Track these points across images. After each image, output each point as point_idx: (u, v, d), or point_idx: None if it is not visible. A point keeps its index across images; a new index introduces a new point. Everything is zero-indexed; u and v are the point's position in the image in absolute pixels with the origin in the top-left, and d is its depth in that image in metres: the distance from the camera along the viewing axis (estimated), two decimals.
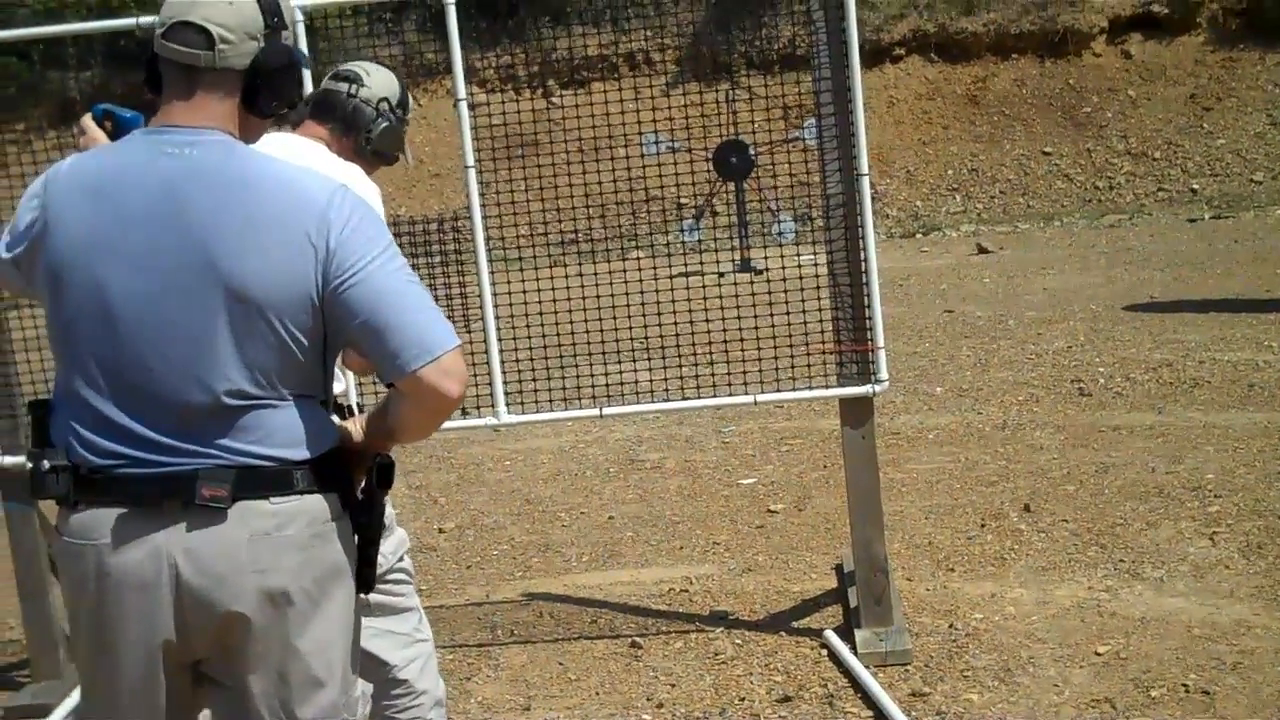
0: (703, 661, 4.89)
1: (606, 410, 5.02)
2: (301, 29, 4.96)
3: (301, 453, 2.43)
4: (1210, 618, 4.83)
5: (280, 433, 2.42)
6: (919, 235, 19.84)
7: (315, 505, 2.45)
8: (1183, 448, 6.99)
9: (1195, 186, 20.36)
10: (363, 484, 2.58)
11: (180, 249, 2.35)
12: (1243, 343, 9.45)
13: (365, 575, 2.58)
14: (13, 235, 2.50)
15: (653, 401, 5.12)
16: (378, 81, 3.69)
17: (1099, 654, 4.62)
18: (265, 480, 2.39)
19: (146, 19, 5.84)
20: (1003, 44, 22.94)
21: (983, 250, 17.01)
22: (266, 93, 2.50)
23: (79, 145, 2.96)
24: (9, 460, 5.05)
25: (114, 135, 2.98)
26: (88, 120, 2.99)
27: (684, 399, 5.28)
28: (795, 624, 5.17)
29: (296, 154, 3.31)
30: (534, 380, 5.71)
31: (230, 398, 2.37)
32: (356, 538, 2.56)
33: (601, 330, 5.73)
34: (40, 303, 2.51)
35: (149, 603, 2.37)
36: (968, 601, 5.21)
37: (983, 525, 6.09)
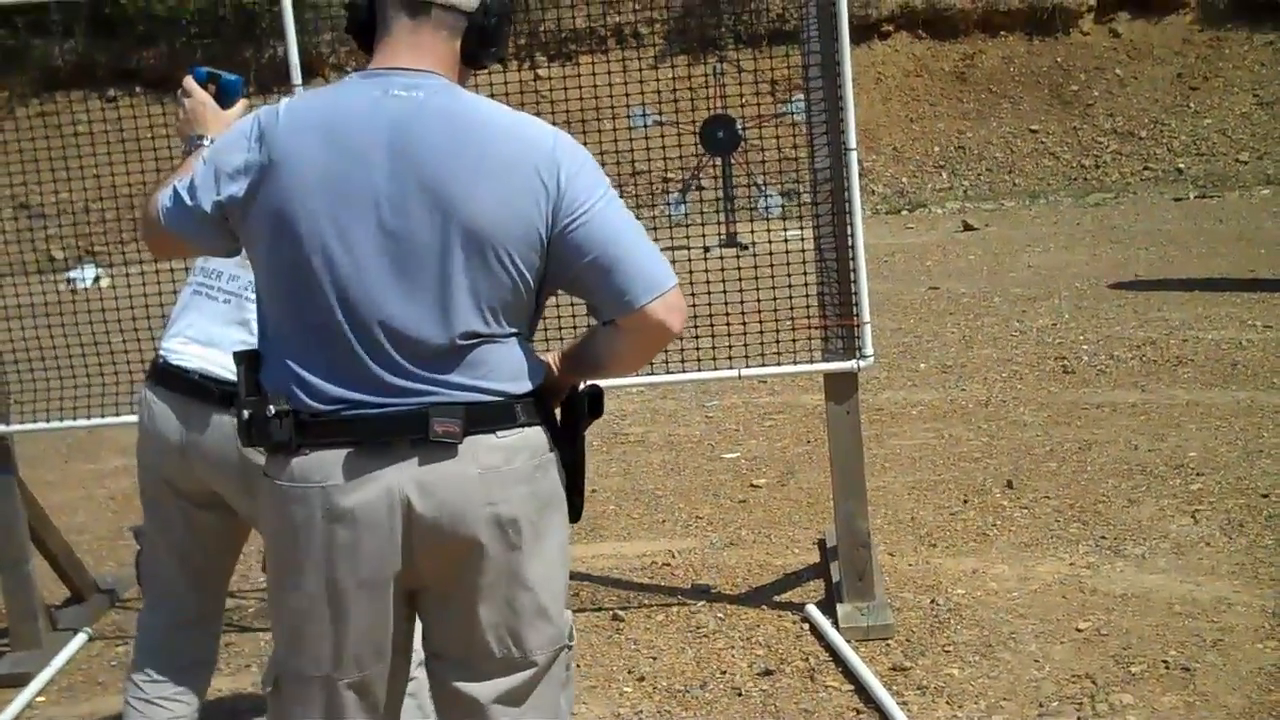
0: (684, 635, 4.89)
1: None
2: (289, 2, 4.93)
3: (523, 385, 2.50)
4: (1191, 595, 4.84)
5: (503, 367, 2.48)
6: (904, 212, 19.83)
7: (536, 437, 2.52)
8: (1166, 426, 7.00)
9: (1181, 166, 20.35)
10: (562, 415, 2.64)
11: (416, 189, 2.39)
12: (1226, 321, 9.46)
13: (576, 504, 2.65)
14: (217, 179, 2.49)
15: (636, 375, 5.09)
16: None
17: (1080, 630, 4.63)
18: (492, 414, 2.46)
19: None
20: (991, 21, 22.86)
21: (968, 227, 16.99)
22: (487, 40, 2.54)
23: (183, 108, 2.99)
24: None
25: (218, 97, 3.01)
26: (191, 83, 3.01)
27: (668, 372, 5.27)
28: (777, 598, 5.17)
29: None
30: None
31: (463, 338, 2.42)
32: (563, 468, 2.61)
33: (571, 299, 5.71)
34: (250, 246, 2.52)
35: (381, 539, 2.43)
36: (950, 577, 5.22)
37: (965, 501, 6.09)
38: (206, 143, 2.88)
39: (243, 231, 2.51)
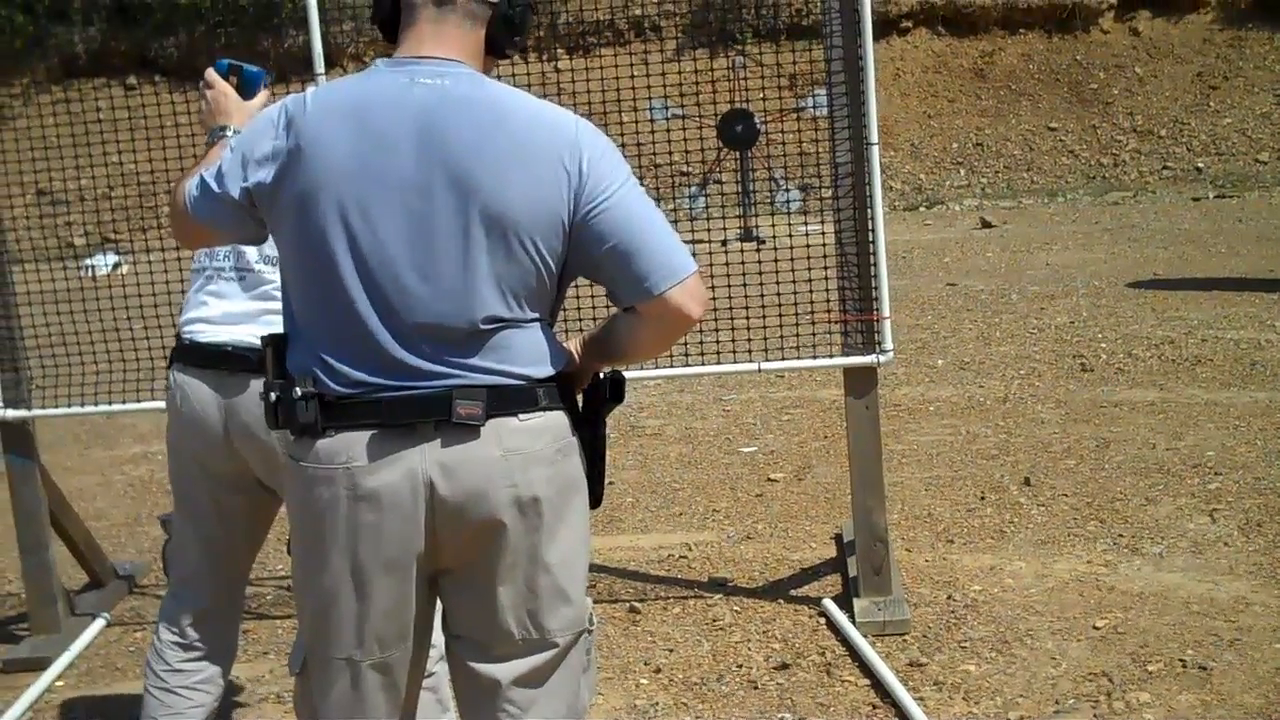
0: (701, 628, 4.90)
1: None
2: None
3: (545, 370, 2.52)
4: (1209, 594, 4.83)
5: (525, 352, 2.51)
6: (923, 208, 19.81)
7: (558, 421, 2.55)
8: (1184, 425, 6.99)
9: (1200, 165, 20.31)
10: (584, 401, 2.68)
11: (443, 175, 2.41)
12: (1245, 321, 9.44)
13: (596, 491, 2.68)
14: (245, 166, 2.52)
15: (655, 368, 5.10)
16: None
17: (1097, 628, 4.62)
18: (514, 398, 2.49)
19: None
20: (1011, 18, 22.83)
21: (986, 224, 16.97)
22: (511, 29, 2.57)
23: (205, 99, 3.02)
24: (11, 414, 5.05)
25: (240, 89, 3.04)
26: (213, 74, 3.05)
27: (687, 365, 5.27)
28: (794, 592, 5.18)
29: None
30: None
31: (486, 322, 2.44)
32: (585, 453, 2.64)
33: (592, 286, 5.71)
34: (277, 231, 2.54)
35: (405, 520, 2.46)
36: (966, 573, 5.22)
37: (982, 498, 6.09)
38: (229, 133, 2.91)
39: (270, 217, 2.53)
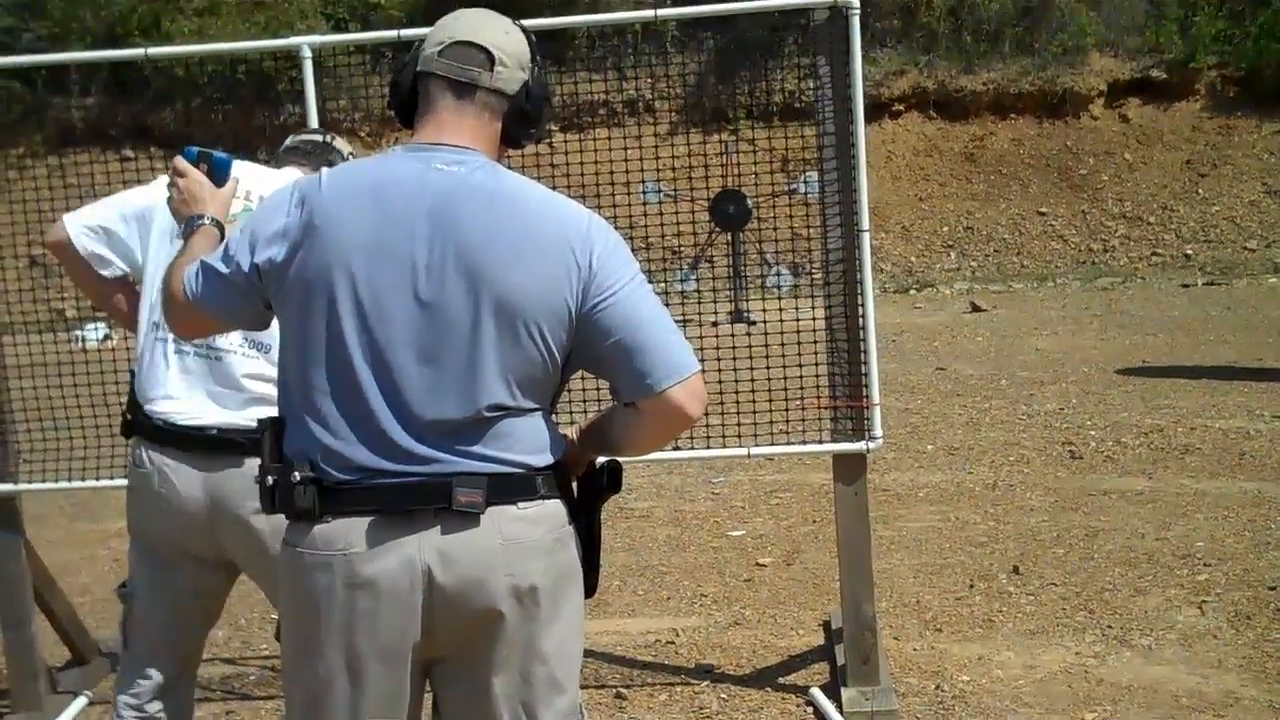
0: (687, 715, 4.86)
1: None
2: (309, 65, 4.99)
3: (545, 459, 2.53)
4: (1198, 688, 4.81)
5: (527, 440, 2.51)
6: (913, 291, 19.89)
7: (556, 510, 2.56)
8: (1173, 514, 6.98)
9: (1189, 252, 20.42)
10: (579, 489, 2.68)
11: (455, 260, 2.43)
12: (1234, 410, 9.46)
13: (591, 580, 2.67)
14: (254, 244, 2.52)
15: None
16: (342, 143, 4.00)
17: None
18: (514, 486, 2.49)
19: (155, 49, 5.86)
20: (1001, 103, 23.02)
21: (976, 308, 17.04)
22: (526, 122, 2.62)
23: (176, 189, 3.01)
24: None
25: (210, 175, 3.03)
26: (183, 163, 3.03)
27: (675, 449, 5.26)
28: (781, 680, 5.14)
29: (278, 179, 3.57)
30: None
31: (489, 410, 2.45)
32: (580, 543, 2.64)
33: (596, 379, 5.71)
34: (282, 310, 2.54)
35: (402, 609, 2.44)
36: (955, 663, 5.19)
37: (971, 586, 6.07)
38: (207, 221, 2.91)
39: (276, 296, 2.53)
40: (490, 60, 2.55)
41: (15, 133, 22.76)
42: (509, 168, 2.63)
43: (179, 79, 22.91)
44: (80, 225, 3.66)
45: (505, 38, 2.59)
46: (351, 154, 3.95)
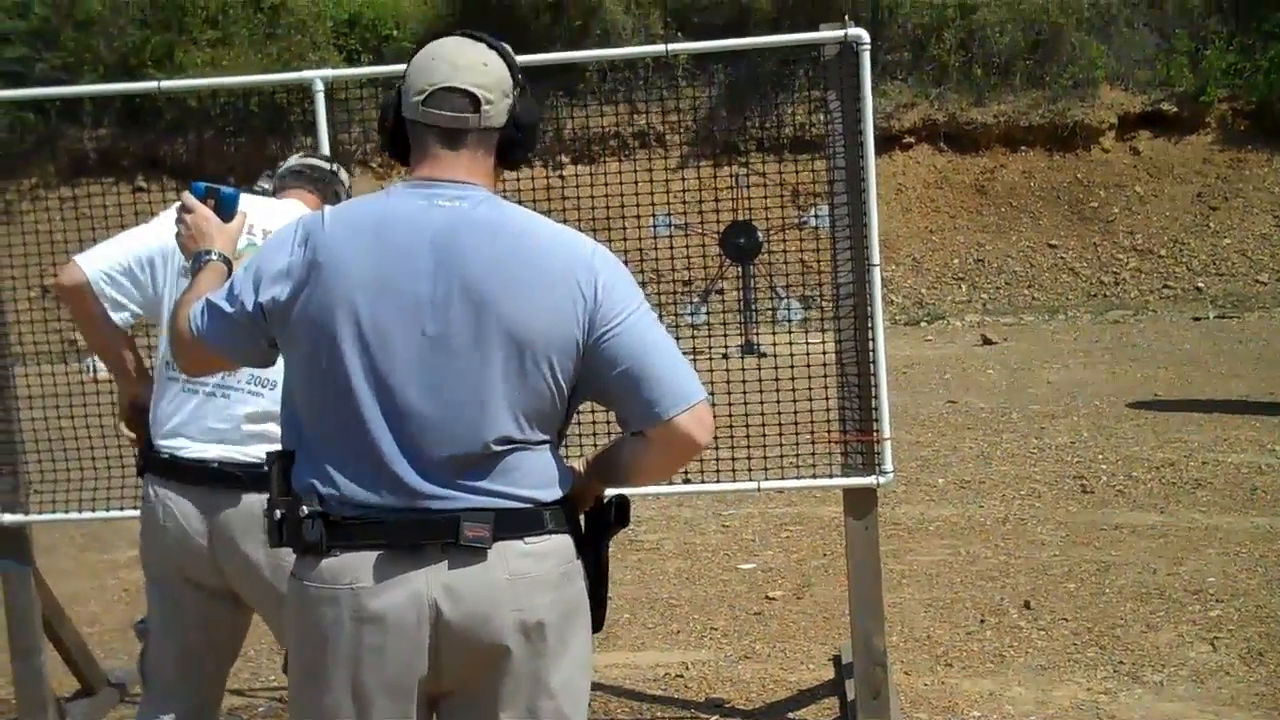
0: None
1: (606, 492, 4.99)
2: (321, 98, 5.01)
3: (553, 493, 2.53)
4: None
5: (534, 474, 2.51)
6: (924, 323, 19.86)
7: (563, 544, 2.55)
8: (1185, 549, 6.96)
9: (1200, 285, 20.38)
10: (587, 523, 2.67)
11: (459, 295, 2.44)
12: (1246, 445, 9.43)
13: (598, 615, 2.68)
14: (258, 283, 2.53)
15: (654, 485, 5.08)
16: (344, 174, 4.02)
17: None
18: (521, 521, 2.49)
19: (168, 83, 5.88)
20: (1012, 136, 23.02)
21: (987, 341, 17.01)
22: (520, 146, 2.62)
23: (184, 224, 3.02)
24: (8, 518, 5.02)
25: (218, 210, 3.04)
26: (191, 199, 3.04)
27: (686, 482, 5.25)
28: (791, 715, 5.12)
29: (282, 212, 3.58)
30: None
31: (497, 443, 2.45)
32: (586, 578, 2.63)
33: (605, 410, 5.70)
34: (289, 347, 2.55)
35: (409, 643, 2.44)
36: (966, 698, 5.17)
37: (982, 621, 6.04)
38: (214, 257, 2.92)
39: (282, 334, 2.54)
40: (475, 103, 2.54)
41: (29, 162, 22.86)
42: (520, 200, 2.64)
43: (192, 110, 23.02)
44: (98, 269, 3.61)
45: (485, 71, 2.55)
46: (349, 189, 3.96)
